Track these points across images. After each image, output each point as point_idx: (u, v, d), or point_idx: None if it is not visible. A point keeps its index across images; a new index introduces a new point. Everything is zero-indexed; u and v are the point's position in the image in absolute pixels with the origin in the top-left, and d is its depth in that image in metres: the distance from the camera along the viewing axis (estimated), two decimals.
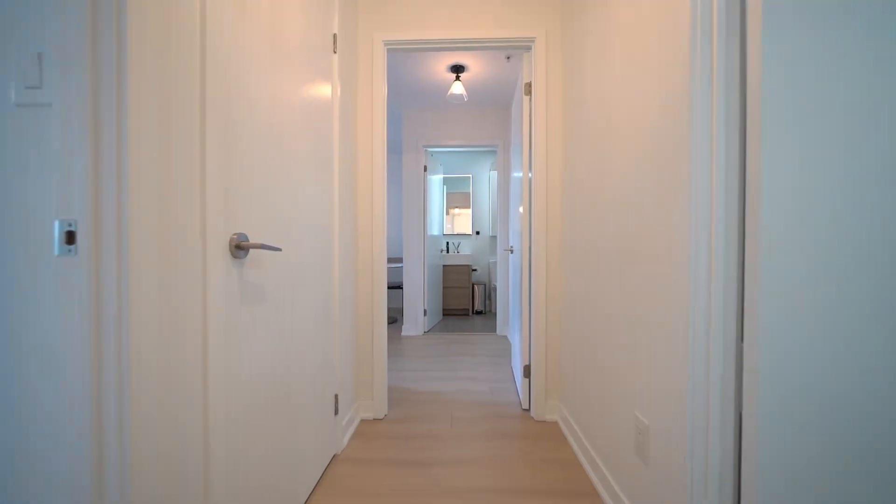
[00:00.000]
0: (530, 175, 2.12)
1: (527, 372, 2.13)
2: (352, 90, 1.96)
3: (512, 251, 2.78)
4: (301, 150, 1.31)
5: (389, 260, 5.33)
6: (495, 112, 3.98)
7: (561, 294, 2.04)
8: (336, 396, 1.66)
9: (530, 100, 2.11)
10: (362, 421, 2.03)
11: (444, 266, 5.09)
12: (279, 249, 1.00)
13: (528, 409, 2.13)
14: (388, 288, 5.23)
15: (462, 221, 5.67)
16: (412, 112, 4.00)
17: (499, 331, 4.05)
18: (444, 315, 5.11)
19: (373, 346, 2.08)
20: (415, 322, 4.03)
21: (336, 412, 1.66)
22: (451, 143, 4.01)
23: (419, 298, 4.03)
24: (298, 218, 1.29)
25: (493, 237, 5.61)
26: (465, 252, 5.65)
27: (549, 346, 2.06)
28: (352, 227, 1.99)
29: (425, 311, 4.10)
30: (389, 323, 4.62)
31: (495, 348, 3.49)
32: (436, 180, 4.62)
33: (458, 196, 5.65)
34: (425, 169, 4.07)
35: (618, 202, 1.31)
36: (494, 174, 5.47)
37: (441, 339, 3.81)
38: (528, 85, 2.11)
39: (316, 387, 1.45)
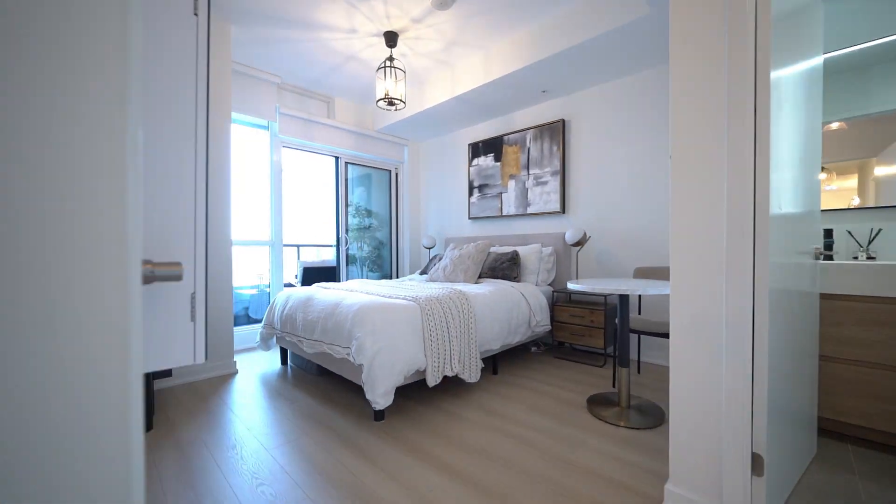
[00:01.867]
0: None
1: None
2: None
3: None
4: None
5: (647, 272, 2.52)
6: None
7: None
8: None
9: None
10: None
11: (821, 296, 1.82)
12: None
13: None
14: (650, 334, 2.58)
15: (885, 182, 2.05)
16: None
17: None
18: (822, 435, 1.82)
19: None
20: (710, 473, 1.24)
21: None
22: None
23: (737, 402, 1.22)
24: None
25: None
26: (892, 258, 1.99)
27: None
28: None
29: (756, 460, 1.22)
30: (648, 427, 1.94)
31: None
32: (792, 81, 1.45)
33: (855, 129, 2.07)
34: None
35: None
36: None
37: None
38: None
39: None
